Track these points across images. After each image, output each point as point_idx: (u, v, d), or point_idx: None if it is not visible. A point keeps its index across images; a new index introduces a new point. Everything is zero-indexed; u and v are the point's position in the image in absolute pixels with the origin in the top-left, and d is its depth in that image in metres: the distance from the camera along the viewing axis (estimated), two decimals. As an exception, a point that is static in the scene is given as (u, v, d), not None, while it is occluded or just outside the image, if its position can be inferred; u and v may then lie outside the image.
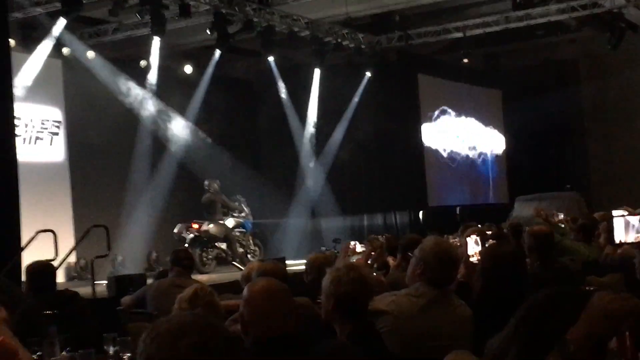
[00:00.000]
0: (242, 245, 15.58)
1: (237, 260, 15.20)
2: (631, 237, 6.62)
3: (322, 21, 17.17)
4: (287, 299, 3.40)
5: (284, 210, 19.07)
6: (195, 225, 15.03)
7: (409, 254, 5.03)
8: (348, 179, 19.82)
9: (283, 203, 18.93)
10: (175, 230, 15.05)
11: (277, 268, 5.64)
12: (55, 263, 9.97)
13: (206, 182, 15.78)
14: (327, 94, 19.05)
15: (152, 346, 2.05)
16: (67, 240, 13.89)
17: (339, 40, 17.87)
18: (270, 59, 17.63)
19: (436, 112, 21.31)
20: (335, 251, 12.14)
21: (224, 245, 15.31)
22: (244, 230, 15.81)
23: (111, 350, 4.65)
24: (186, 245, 14.18)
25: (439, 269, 4.15)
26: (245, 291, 3.44)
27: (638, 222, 6.58)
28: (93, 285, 10.94)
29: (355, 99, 19.43)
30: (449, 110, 21.83)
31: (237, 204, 15.90)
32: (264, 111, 19.84)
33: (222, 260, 15.35)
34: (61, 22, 14.53)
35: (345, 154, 19.41)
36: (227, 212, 15.68)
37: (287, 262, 13.15)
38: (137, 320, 6.42)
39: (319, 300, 4.25)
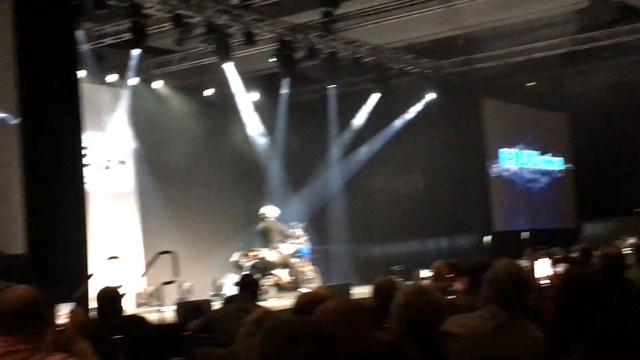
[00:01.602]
0: (300, 272, 15.56)
1: (298, 286, 15.18)
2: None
3: (385, 47, 17.18)
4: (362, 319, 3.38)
5: (346, 235, 19.03)
6: (252, 253, 15.08)
7: (478, 277, 4.95)
8: (411, 204, 19.70)
9: (343, 228, 18.89)
10: (233, 259, 15.12)
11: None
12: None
13: (262, 209, 15.82)
14: (387, 119, 19.05)
15: (267, 345, 2.19)
16: (137, 267, 14.07)
17: (402, 65, 17.87)
18: (332, 85, 17.72)
19: (501, 136, 21.12)
20: (401, 279, 12.03)
21: (282, 272, 15.32)
22: (302, 256, 15.79)
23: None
24: (245, 273, 14.23)
25: (511, 291, 4.08)
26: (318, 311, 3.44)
27: None
28: (161, 311, 11.02)
29: (416, 123, 19.36)
30: (514, 134, 21.61)
31: (294, 230, 15.89)
32: (328, 136, 19.87)
33: (281, 287, 15.35)
34: (129, 53, 14.78)
35: (405, 177, 19.34)
36: (284, 238, 15.69)
37: (353, 288, 13.10)
38: (204, 345, 6.44)
39: (386, 325, 4.20)
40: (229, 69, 15.84)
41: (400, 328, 3.84)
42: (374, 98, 18.88)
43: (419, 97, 19.25)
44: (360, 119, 19.27)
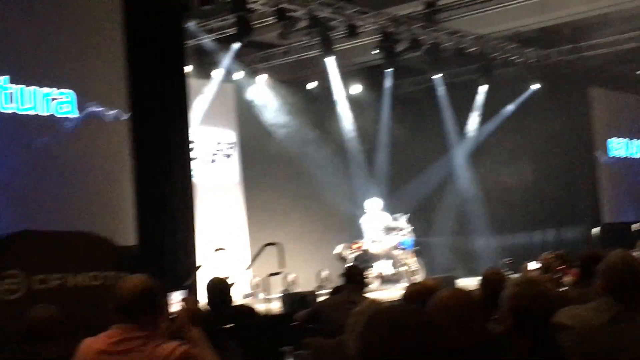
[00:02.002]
0: (404, 264, 15.51)
1: (401, 278, 15.14)
2: None
3: (489, 37, 16.95)
4: (474, 310, 3.36)
5: (451, 227, 18.88)
6: (356, 245, 15.11)
7: (589, 269, 4.85)
8: (517, 195, 19.37)
9: (449, 220, 18.74)
10: (337, 251, 15.18)
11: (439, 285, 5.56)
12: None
13: (368, 201, 15.84)
14: (492, 109, 18.79)
15: (367, 334, 2.15)
16: (243, 258, 14.29)
17: (507, 55, 17.61)
18: (437, 76, 17.58)
19: (609, 126, 20.59)
20: (510, 271, 11.88)
21: (385, 264, 15.31)
22: (405, 248, 15.73)
23: (288, 363, 4.72)
24: (349, 265, 14.27)
25: (626, 282, 3.98)
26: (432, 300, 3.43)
27: None
28: (267, 301, 11.16)
29: (522, 113, 19.03)
30: (623, 123, 21.04)
31: (398, 221, 15.84)
32: (430, 130, 19.73)
33: (384, 279, 15.33)
34: (233, 48, 14.98)
35: (511, 168, 19.02)
36: (388, 230, 15.66)
37: (457, 280, 12.99)
38: (311, 335, 6.49)
39: (493, 317, 4.16)
40: (331, 62, 15.89)
41: (510, 320, 3.78)
42: (481, 89, 18.64)
43: (524, 87, 18.92)
44: (465, 110, 19.04)
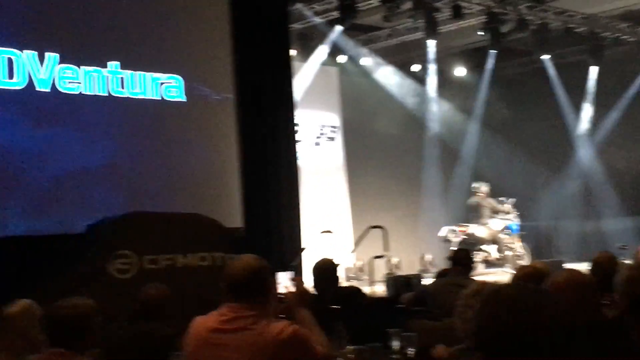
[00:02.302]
0: (509, 248, 15.30)
1: (506, 262, 14.95)
2: None
3: (599, 16, 16.50)
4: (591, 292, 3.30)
5: (557, 211, 18.51)
6: (461, 229, 14.98)
7: None
8: (631, 177, 18.83)
9: (556, 204, 18.38)
10: (442, 234, 15.08)
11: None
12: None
13: (474, 185, 15.67)
14: (603, 91, 18.29)
15: (485, 312, 2.18)
16: (346, 241, 14.34)
17: (617, 34, 17.12)
18: (545, 57, 17.24)
19: None
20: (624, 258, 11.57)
21: (490, 248, 15.13)
22: (510, 232, 15.52)
23: (395, 345, 4.70)
24: (453, 248, 14.17)
25: None
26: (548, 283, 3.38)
27: None
28: (371, 284, 11.20)
29: (634, 96, 18.47)
30: None
31: (504, 205, 15.62)
32: (539, 112, 19.35)
33: (489, 264, 15.16)
34: (337, 31, 15.00)
35: (623, 153, 18.50)
36: (494, 214, 15.47)
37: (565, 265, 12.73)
38: (418, 317, 6.47)
39: (604, 302, 4.07)
40: (434, 44, 15.76)
41: (624, 304, 3.70)
42: (592, 70, 18.17)
43: (637, 69, 18.35)
44: (575, 91, 18.60)
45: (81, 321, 3.98)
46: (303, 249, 11.31)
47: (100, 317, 4.21)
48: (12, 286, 6.88)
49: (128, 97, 10.21)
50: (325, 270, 6.17)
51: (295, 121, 12.26)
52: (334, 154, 16.91)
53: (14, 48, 9.32)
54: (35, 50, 9.48)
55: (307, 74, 15.62)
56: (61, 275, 7.88)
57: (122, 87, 10.17)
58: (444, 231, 15.09)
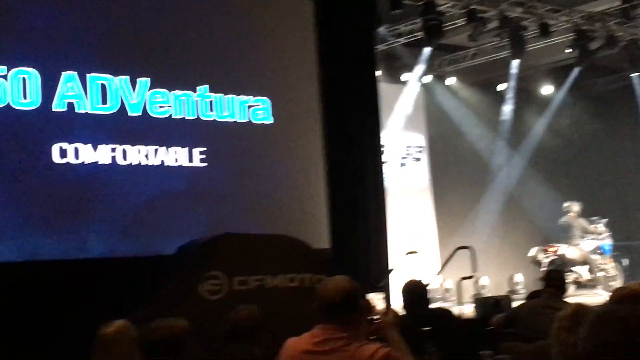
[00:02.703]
0: (601, 269, 14.97)
1: (598, 284, 14.64)
2: None
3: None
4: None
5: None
6: (552, 249, 14.73)
7: None
8: None
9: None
10: (531, 254, 14.85)
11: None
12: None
13: (565, 204, 15.41)
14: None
15: (600, 331, 2.16)
16: (433, 262, 14.24)
17: None
18: (634, 74, 16.91)
19: None
20: None
21: (582, 269, 14.83)
22: (603, 252, 15.19)
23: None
24: (543, 269, 13.93)
25: None
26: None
27: None
28: (459, 305, 11.09)
29: None
30: None
31: (596, 226, 15.31)
32: (628, 129, 18.96)
33: (580, 285, 14.86)
34: (422, 51, 14.98)
35: None
36: (585, 234, 15.17)
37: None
38: (509, 340, 6.39)
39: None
40: (518, 63, 15.61)
41: None
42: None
43: None
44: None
45: (176, 342, 4.05)
46: (390, 270, 11.27)
47: (193, 337, 4.27)
48: (105, 307, 7.02)
49: (216, 120, 10.36)
50: (415, 291, 6.14)
51: (381, 142, 12.27)
52: (419, 174, 16.84)
53: (107, 74, 9.56)
54: (127, 75, 9.71)
55: (392, 94, 15.62)
56: (153, 296, 8.01)
57: (211, 110, 10.33)
58: (533, 251, 14.87)
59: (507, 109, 17.17)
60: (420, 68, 15.73)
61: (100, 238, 9.34)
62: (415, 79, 16.05)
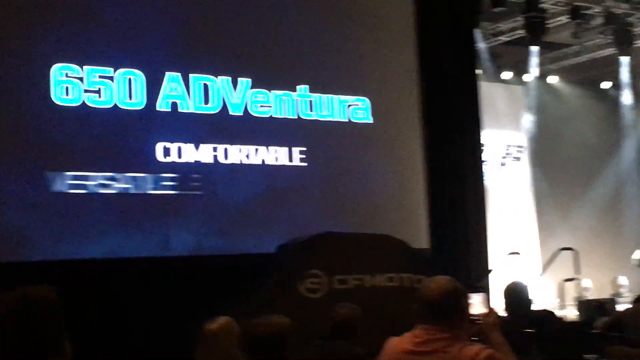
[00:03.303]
0: None
1: None
2: None
3: None
4: None
5: None
6: None
7: None
8: None
9: None
10: (636, 257, 14.49)
11: None
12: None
13: None
14: None
15: None
16: (534, 263, 14.01)
17: None
18: None
19: None
20: None
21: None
22: None
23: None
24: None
25: None
26: None
27: None
28: (561, 308, 10.90)
29: None
30: None
31: None
32: None
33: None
34: (524, 49, 14.75)
35: None
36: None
37: None
38: (615, 343, 6.24)
39: None
40: (625, 61, 15.22)
41: None
42: None
43: None
44: None
45: (279, 339, 4.07)
46: (490, 270, 11.15)
47: (294, 335, 4.30)
48: (206, 303, 7.13)
49: (316, 120, 10.42)
50: (518, 293, 6.03)
51: (481, 141, 12.14)
52: (520, 174, 16.59)
53: (209, 74, 9.73)
54: (228, 75, 9.85)
55: (493, 93, 15.43)
56: (253, 293, 8.10)
57: (311, 110, 10.40)
58: (637, 254, 14.49)
59: (613, 107, 16.75)
60: (521, 66, 15.49)
61: (209, 236, 9.50)
62: (516, 77, 15.81)
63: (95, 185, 8.98)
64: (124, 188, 9.16)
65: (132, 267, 8.82)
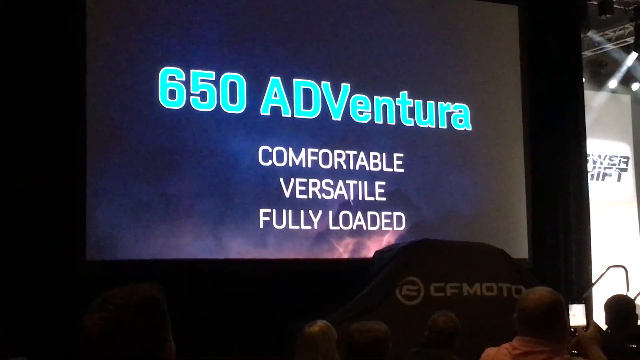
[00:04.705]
0: None
1: None
2: None
3: None
4: None
5: None
6: None
7: None
8: None
9: None
10: None
11: None
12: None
13: None
14: None
15: None
16: (638, 277, 13.61)
17: None
18: None
19: None
20: None
21: None
22: None
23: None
24: None
25: None
26: None
27: None
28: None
29: None
30: None
31: None
32: None
33: None
34: (631, 57, 14.40)
35: None
36: None
37: None
38: None
39: None
40: None
41: None
42: None
43: None
44: None
45: (379, 345, 4.08)
46: (593, 283, 10.91)
47: (392, 342, 4.30)
48: (304, 307, 7.19)
49: (416, 126, 10.38)
50: (621, 307, 5.89)
51: (586, 151, 11.90)
52: (625, 185, 16.18)
53: (310, 79, 9.79)
54: (329, 81, 9.90)
55: (597, 102, 15.10)
56: (350, 298, 8.13)
57: (411, 116, 10.36)
58: None
59: None
60: (628, 75, 15.11)
61: (304, 240, 9.56)
62: (622, 85, 15.42)
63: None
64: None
65: (230, 267, 8.94)
